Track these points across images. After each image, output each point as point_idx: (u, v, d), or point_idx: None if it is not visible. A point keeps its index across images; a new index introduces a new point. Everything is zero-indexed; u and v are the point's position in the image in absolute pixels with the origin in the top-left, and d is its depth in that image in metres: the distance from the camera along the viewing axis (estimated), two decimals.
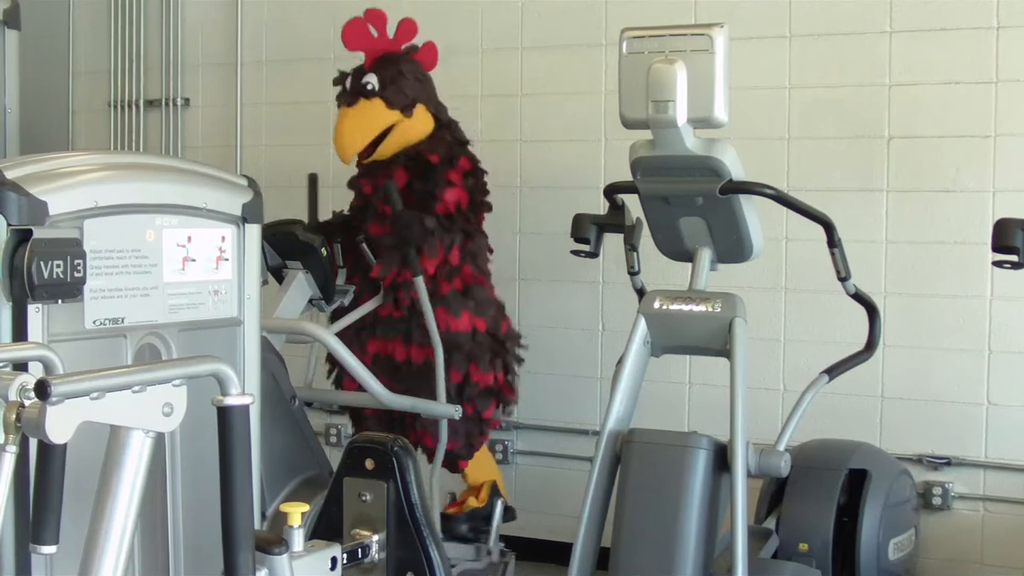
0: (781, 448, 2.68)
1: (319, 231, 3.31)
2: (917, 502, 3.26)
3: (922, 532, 3.27)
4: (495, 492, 3.51)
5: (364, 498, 2.11)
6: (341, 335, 3.22)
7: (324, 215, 3.64)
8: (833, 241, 2.75)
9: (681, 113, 2.57)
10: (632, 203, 2.90)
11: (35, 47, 4.39)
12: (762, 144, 3.56)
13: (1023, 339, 3.37)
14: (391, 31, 3.35)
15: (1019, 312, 3.37)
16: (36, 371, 1.58)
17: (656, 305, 2.74)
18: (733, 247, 2.78)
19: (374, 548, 2.08)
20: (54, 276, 1.81)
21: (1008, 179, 3.36)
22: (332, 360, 3.38)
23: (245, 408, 1.60)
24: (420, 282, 3.24)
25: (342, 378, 3.40)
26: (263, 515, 2.59)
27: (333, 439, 4.10)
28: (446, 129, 3.33)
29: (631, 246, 2.90)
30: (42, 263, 1.79)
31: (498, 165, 3.54)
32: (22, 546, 1.77)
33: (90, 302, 1.92)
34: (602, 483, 2.68)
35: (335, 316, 3.37)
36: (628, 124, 2.66)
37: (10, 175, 1.83)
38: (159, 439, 1.56)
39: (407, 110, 3.24)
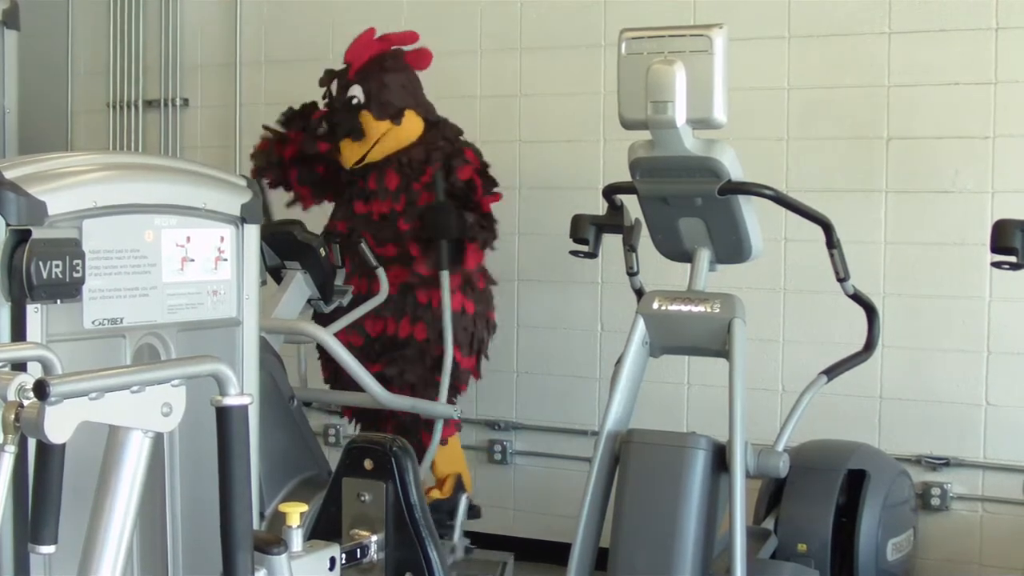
0: (780, 448, 2.67)
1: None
2: (916, 503, 3.26)
3: (920, 532, 3.27)
4: (459, 486, 3.48)
5: (363, 498, 2.11)
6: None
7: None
8: (832, 242, 2.75)
9: (680, 114, 2.57)
10: (631, 204, 2.90)
11: (34, 48, 4.39)
12: (761, 145, 3.56)
13: (1022, 340, 3.36)
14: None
15: (1018, 313, 3.37)
16: (35, 371, 1.58)
17: (655, 306, 2.74)
18: (732, 248, 2.78)
19: (373, 548, 2.08)
20: (53, 276, 1.81)
21: (1007, 180, 3.36)
22: (325, 359, 3.38)
23: (244, 408, 1.59)
24: (445, 276, 3.25)
25: (338, 380, 3.39)
26: (262, 515, 2.58)
27: (332, 439, 4.10)
28: (436, 129, 3.34)
29: (630, 247, 2.91)
30: (41, 263, 1.79)
31: (497, 166, 3.53)
32: (21, 546, 1.77)
33: (89, 302, 1.91)
34: (601, 483, 2.68)
35: (333, 316, 3.36)
36: (627, 125, 2.66)
37: (9, 175, 1.83)
38: (158, 439, 1.56)
39: (396, 119, 3.28)
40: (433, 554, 2.07)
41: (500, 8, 3.96)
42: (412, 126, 3.31)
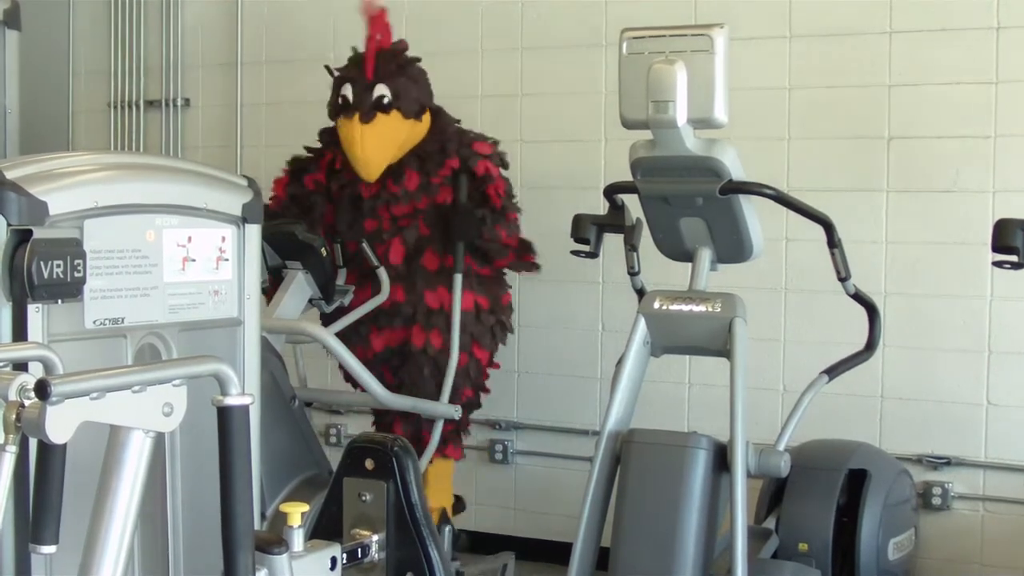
0: (781, 448, 2.68)
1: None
2: (917, 502, 3.26)
3: (922, 532, 3.27)
4: (443, 519, 3.42)
5: (364, 498, 2.11)
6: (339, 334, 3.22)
7: None
8: (833, 241, 2.75)
9: (681, 113, 2.57)
10: (632, 203, 2.90)
11: (35, 48, 4.39)
12: (762, 144, 3.55)
13: (1023, 339, 3.36)
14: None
15: (1019, 312, 3.36)
16: (36, 371, 1.57)
17: (656, 305, 2.74)
18: (733, 247, 2.78)
19: (374, 548, 2.08)
20: (54, 276, 1.81)
21: (1008, 179, 3.35)
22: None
23: (245, 408, 1.59)
24: (458, 279, 3.22)
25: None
26: (263, 515, 2.58)
27: (333, 439, 4.10)
28: (439, 119, 3.29)
29: (631, 246, 2.90)
30: (42, 263, 1.79)
31: None
32: (22, 546, 1.77)
33: (90, 302, 1.91)
34: (602, 483, 2.68)
35: (334, 316, 3.35)
36: (628, 124, 2.66)
37: (10, 175, 1.83)
38: (159, 439, 1.56)
39: (419, 116, 3.21)
40: (434, 553, 2.07)
41: (501, 8, 3.95)
42: (425, 123, 3.24)
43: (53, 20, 4.61)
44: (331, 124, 3.28)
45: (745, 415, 2.57)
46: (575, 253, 2.98)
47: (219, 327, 2.13)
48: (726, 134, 2.70)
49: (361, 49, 3.25)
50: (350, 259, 3.34)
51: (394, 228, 3.26)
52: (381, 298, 3.33)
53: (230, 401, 1.58)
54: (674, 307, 2.73)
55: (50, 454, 1.46)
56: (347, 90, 3.17)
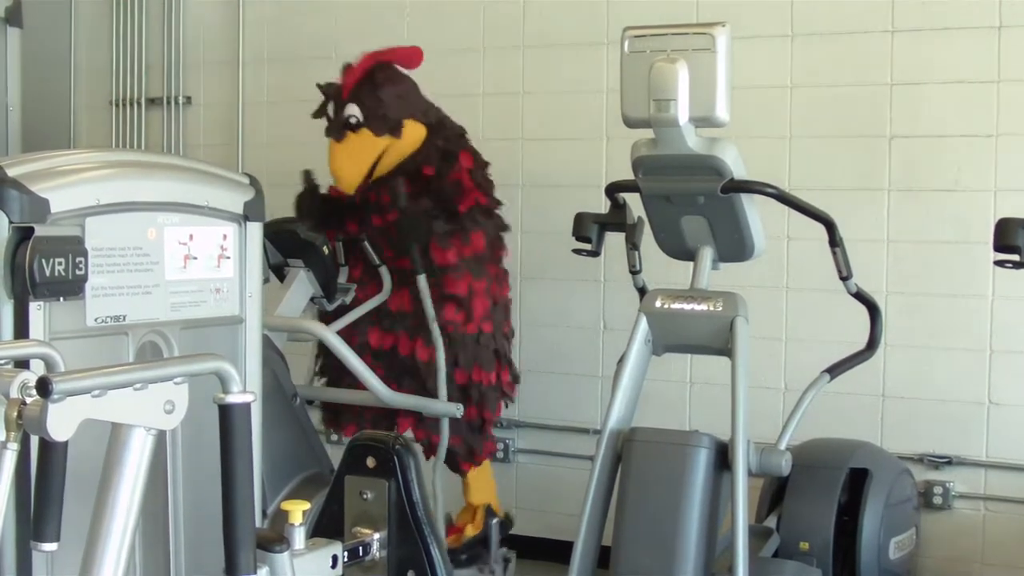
0: (782, 447, 2.68)
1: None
2: (918, 501, 3.25)
3: (923, 531, 3.27)
4: (490, 514, 3.48)
5: (365, 496, 2.11)
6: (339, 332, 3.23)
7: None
8: (834, 240, 2.75)
9: (683, 112, 2.58)
10: (634, 202, 2.89)
11: (37, 45, 4.39)
12: (764, 143, 3.55)
13: None
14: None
15: (1021, 311, 3.36)
16: (37, 369, 1.58)
17: (657, 304, 2.74)
18: (735, 246, 2.78)
19: (375, 546, 2.08)
20: (56, 274, 1.81)
21: (1010, 178, 3.35)
22: (325, 355, 3.37)
23: (246, 406, 1.59)
24: (423, 280, 3.25)
25: (338, 377, 3.36)
26: (264, 513, 2.58)
27: (334, 437, 4.07)
28: (436, 132, 3.32)
29: (632, 245, 2.91)
30: (44, 261, 1.79)
31: (500, 163, 3.53)
32: (23, 543, 1.77)
33: (92, 300, 1.91)
34: (603, 482, 2.68)
35: (336, 314, 3.35)
36: (630, 123, 2.66)
37: (12, 172, 1.83)
38: (160, 437, 1.56)
39: (395, 132, 3.23)
40: (435, 552, 2.07)
41: (502, 6, 3.94)
42: (413, 134, 3.27)
43: (55, 17, 4.62)
44: None
45: (746, 414, 2.58)
46: (577, 252, 2.99)
47: (221, 325, 2.13)
48: (728, 133, 2.70)
49: (355, 62, 3.29)
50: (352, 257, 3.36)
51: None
52: (383, 296, 3.34)
53: (232, 399, 1.58)
54: (676, 306, 2.73)
55: (51, 452, 1.47)
56: (330, 108, 3.28)
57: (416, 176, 3.26)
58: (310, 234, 3.22)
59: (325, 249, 3.22)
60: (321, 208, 3.34)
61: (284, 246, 3.25)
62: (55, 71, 4.63)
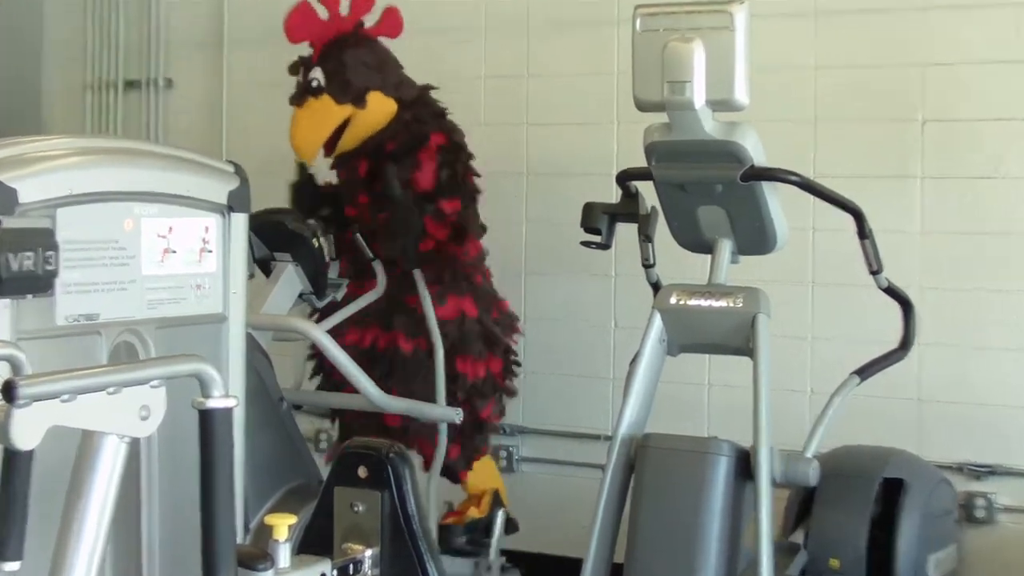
0: (809, 455, 2.69)
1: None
2: (959, 514, 3.25)
3: (964, 547, 3.25)
4: (497, 501, 3.51)
5: (356, 509, 2.10)
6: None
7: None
8: (863, 231, 2.75)
9: (699, 95, 2.58)
10: (647, 191, 2.89)
11: (5, 24, 4.40)
12: (786, 127, 3.54)
13: None
14: (346, 7, 3.32)
15: None
16: (2, 371, 1.56)
17: (673, 300, 2.76)
18: (755, 237, 2.79)
19: (367, 564, 2.07)
20: (24, 269, 1.80)
21: None
22: (317, 358, 3.39)
23: (228, 411, 1.57)
24: (418, 274, 3.27)
25: (330, 380, 3.38)
26: (246, 527, 2.59)
27: (323, 445, 4.12)
28: (409, 109, 3.29)
29: (646, 237, 2.89)
30: (11, 255, 1.78)
31: (502, 150, 3.58)
32: None
33: (62, 297, 1.89)
34: (614, 493, 2.69)
35: (326, 312, 3.36)
36: (642, 107, 2.67)
37: None
38: (134, 444, 1.55)
39: (359, 102, 3.22)
40: (432, 570, 2.07)
41: None
42: (381, 107, 3.27)
43: None
44: None
45: (770, 419, 2.59)
46: (585, 244, 2.98)
47: (201, 323, 2.12)
48: (747, 117, 2.69)
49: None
50: (344, 251, 3.37)
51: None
52: (378, 292, 3.35)
53: (212, 403, 1.56)
54: (692, 302, 2.74)
55: (16, 461, 1.44)
56: (300, 74, 3.32)
57: (379, 154, 3.26)
58: (299, 225, 3.24)
59: (315, 242, 3.23)
60: (316, 196, 3.37)
61: (270, 239, 3.25)
62: (25, 52, 4.62)
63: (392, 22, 3.33)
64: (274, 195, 3.46)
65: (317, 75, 3.23)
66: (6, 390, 1.38)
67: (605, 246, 2.96)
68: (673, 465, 2.61)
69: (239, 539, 1.80)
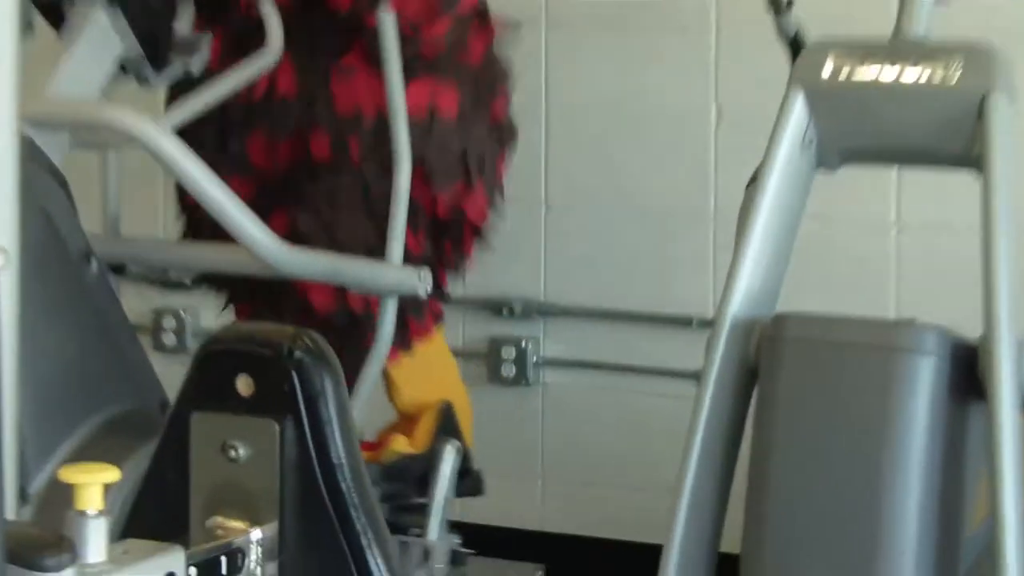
0: None
1: None
2: None
3: None
4: (447, 427, 3.64)
5: (234, 455, 2.08)
6: None
7: None
8: None
9: None
10: None
11: None
12: None
13: None
14: None
15: None
16: None
17: (830, 70, 2.81)
18: None
19: (254, 554, 2.05)
20: None
21: None
22: (179, 195, 3.62)
23: None
24: (385, 15, 3.48)
25: (197, 226, 3.60)
26: (23, 493, 2.60)
27: (170, 340, 4.21)
28: None
29: None
30: None
31: None
32: None
33: None
34: (719, 424, 2.70)
35: (174, 96, 3.50)
36: None
37: None
38: None
39: None
40: (375, 564, 2.04)
41: None
42: None
43: None
44: None
45: (1012, 288, 2.59)
46: None
47: None
48: None
49: None
50: None
51: None
52: (271, 56, 3.46)
53: None
54: (864, 74, 2.79)
55: None
56: None
57: None
58: None
59: None
60: None
61: None
62: None
63: None
64: None
65: None
66: None
67: None
68: (834, 372, 2.64)
69: (10, 512, 1.83)
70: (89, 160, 3.59)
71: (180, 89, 3.54)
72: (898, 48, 2.78)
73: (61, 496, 1.92)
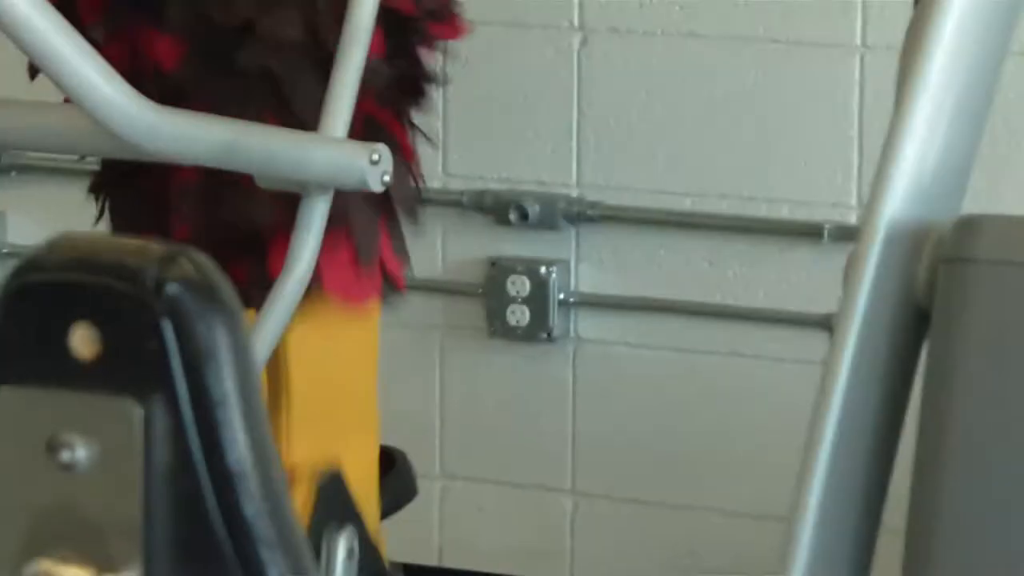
0: None
1: None
2: None
3: None
4: (333, 505, 3.88)
5: (68, 457, 1.98)
6: None
7: None
8: None
9: None
10: None
11: None
12: None
13: None
14: None
15: None
16: None
17: None
18: None
19: None
20: None
21: None
22: None
23: None
24: None
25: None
26: None
27: None
28: None
29: None
30: None
31: None
32: None
33: None
34: (870, 391, 2.66)
35: None
36: None
37: None
38: None
39: None
40: None
41: None
42: None
43: None
44: None
45: None
46: None
47: None
48: None
49: None
50: None
51: None
52: None
53: None
54: None
55: None
56: None
57: None
58: None
59: None
60: None
61: None
62: None
63: None
64: None
65: None
66: None
67: None
68: None
69: None
70: None
71: None
72: None
73: None
